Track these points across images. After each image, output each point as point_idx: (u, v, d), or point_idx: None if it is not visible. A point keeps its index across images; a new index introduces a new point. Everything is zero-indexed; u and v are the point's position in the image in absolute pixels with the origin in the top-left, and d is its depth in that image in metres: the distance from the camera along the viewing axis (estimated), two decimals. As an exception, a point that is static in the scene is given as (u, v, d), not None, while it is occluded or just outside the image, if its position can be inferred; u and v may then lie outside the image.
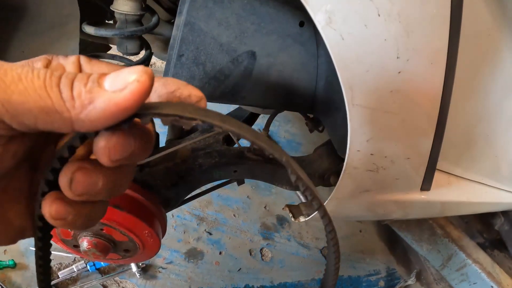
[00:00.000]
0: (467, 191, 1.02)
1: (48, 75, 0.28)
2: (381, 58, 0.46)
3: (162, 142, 1.09)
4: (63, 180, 0.32)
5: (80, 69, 0.41)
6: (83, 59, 0.41)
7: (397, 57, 0.47)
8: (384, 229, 2.05)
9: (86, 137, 0.31)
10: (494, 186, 1.07)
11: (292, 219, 0.81)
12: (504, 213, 1.57)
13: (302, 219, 0.80)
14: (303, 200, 2.08)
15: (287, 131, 2.50)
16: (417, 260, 1.86)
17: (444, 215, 1.02)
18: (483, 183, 1.06)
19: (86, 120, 0.28)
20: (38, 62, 0.38)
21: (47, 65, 0.39)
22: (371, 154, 0.55)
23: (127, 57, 0.88)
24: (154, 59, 2.82)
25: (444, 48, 0.54)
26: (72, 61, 0.40)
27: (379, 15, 0.43)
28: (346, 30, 0.43)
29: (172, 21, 1.04)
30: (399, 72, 0.48)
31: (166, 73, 0.69)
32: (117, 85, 0.28)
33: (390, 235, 2.01)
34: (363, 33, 0.43)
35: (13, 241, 0.38)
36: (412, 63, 0.49)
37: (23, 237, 0.39)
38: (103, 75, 0.29)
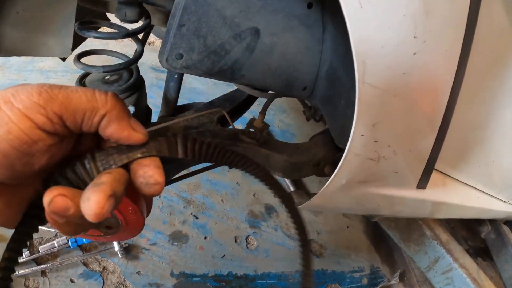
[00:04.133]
0: (461, 194, 1.01)
1: (96, 91, 0.43)
2: (398, 35, 0.43)
3: (155, 119, 1.06)
4: (45, 199, 0.41)
5: None
6: None
7: (414, 37, 0.44)
8: (371, 227, 2.04)
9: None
10: (486, 192, 1.06)
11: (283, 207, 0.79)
12: (491, 221, 1.56)
13: (294, 207, 0.77)
14: (292, 189, 2.06)
15: (282, 121, 2.48)
16: (402, 261, 1.86)
17: (434, 216, 1.00)
18: (476, 188, 1.05)
19: (114, 130, 0.45)
20: None
21: None
22: (375, 141, 0.53)
23: (125, 25, 0.84)
24: (153, 38, 2.76)
25: (460, 37, 0.51)
26: None
27: (401, -12, 0.40)
28: (365, -3, 0.40)
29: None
30: (414, 54, 0.45)
31: (165, 43, 0.65)
32: (137, 126, 0.47)
33: (377, 233, 2.01)
34: (383, 4, 0.40)
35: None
36: (428, 45, 0.46)
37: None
38: None
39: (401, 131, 0.55)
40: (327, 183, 0.60)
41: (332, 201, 0.73)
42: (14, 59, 2.34)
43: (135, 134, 0.45)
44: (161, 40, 2.82)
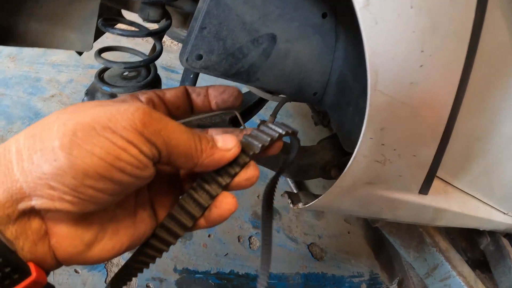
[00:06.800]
0: (461, 202, 1.03)
1: (190, 132, 0.42)
2: (407, 49, 0.46)
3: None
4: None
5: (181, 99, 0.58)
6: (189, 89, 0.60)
7: (421, 51, 0.47)
8: (372, 233, 2.07)
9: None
10: (486, 202, 1.09)
11: (291, 205, 0.82)
12: (491, 233, 1.59)
13: (301, 205, 0.80)
14: (295, 191, 2.09)
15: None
16: (401, 268, 1.88)
17: (435, 223, 1.03)
18: (476, 198, 1.07)
19: (204, 165, 0.44)
20: (143, 96, 0.52)
21: (149, 101, 0.53)
22: (382, 144, 0.56)
23: (146, 25, 0.88)
24: (164, 38, 2.81)
25: (463, 51, 0.55)
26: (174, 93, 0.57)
27: (411, 7, 0.44)
28: (380, 16, 0.44)
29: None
30: (421, 66, 0.49)
31: (186, 43, 0.69)
32: (226, 147, 0.45)
33: (377, 240, 2.03)
34: (395, 21, 0.44)
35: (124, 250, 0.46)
36: (434, 58, 0.49)
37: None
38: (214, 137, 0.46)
39: (406, 136, 0.59)
40: (336, 182, 0.63)
41: (338, 202, 0.76)
42: (26, 52, 2.37)
43: (227, 154, 0.46)
44: (172, 41, 2.85)
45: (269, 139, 0.48)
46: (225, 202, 0.47)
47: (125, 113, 0.37)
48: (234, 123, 0.99)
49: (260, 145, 0.47)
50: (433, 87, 0.54)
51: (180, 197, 0.49)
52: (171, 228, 0.47)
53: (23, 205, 0.36)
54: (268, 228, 0.59)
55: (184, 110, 0.58)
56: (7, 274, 0.34)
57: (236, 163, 0.47)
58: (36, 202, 0.36)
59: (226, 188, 0.47)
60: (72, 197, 0.36)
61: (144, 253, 0.49)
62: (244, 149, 0.47)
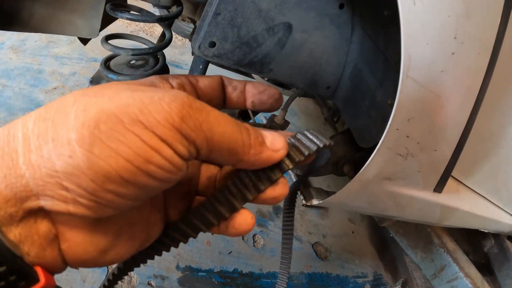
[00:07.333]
0: (472, 202, 1.02)
1: (236, 124, 0.36)
2: (441, 34, 0.44)
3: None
4: None
5: (219, 86, 0.51)
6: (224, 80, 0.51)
7: (455, 37, 0.45)
8: (376, 234, 2.05)
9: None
10: (495, 203, 1.07)
11: (303, 201, 0.80)
12: (495, 235, 1.57)
13: (314, 202, 0.78)
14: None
15: (293, 124, 2.49)
16: (405, 270, 1.86)
17: (444, 223, 1.01)
18: (486, 198, 1.06)
19: (250, 162, 0.38)
20: (174, 81, 0.46)
21: (180, 87, 0.46)
22: (407, 136, 0.54)
23: (155, 12, 0.85)
24: (168, 34, 2.78)
25: (491, 43, 0.53)
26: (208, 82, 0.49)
27: (448, -10, 0.42)
28: (419, -4, 0.41)
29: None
30: (452, 53, 0.46)
31: (199, 29, 0.67)
32: (274, 147, 0.39)
33: (381, 240, 2.01)
34: (433, 4, 0.42)
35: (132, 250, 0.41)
36: (465, 46, 0.47)
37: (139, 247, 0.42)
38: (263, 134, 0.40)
39: (431, 128, 0.57)
40: (356, 176, 0.61)
41: (352, 198, 0.73)
42: (29, 43, 2.35)
43: (275, 155, 0.39)
44: (176, 36, 2.83)
45: (315, 148, 0.41)
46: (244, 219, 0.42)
47: (160, 103, 0.31)
48: (243, 117, 0.97)
49: (306, 153, 0.41)
50: (461, 77, 0.51)
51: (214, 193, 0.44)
52: (196, 223, 0.43)
53: (29, 204, 0.31)
54: (289, 232, 0.56)
55: (216, 104, 0.50)
56: (12, 283, 0.30)
57: (278, 168, 0.41)
58: (45, 203, 0.31)
59: (260, 193, 0.41)
60: (89, 201, 0.31)
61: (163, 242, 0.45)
62: (289, 153, 0.41)
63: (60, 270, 0.36)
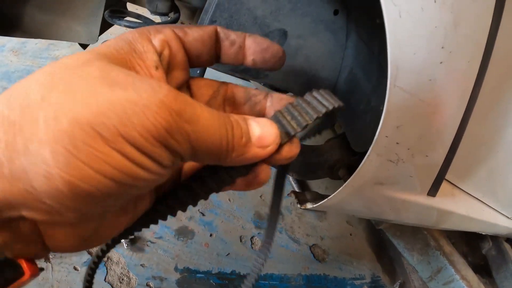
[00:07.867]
0: (468, 205, 1.03)
1: (222, 126, 0.33)
2: (428, 44, 0.45)
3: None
4: None
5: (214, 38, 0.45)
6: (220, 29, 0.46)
7: (442, 47, 0.46)
8: (374, 236, 2.06)
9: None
10: (491, 206, 1.08)
11: (298, 205, 0.81)
12: (493, 238, 1.58)
13: (309, 205, 0.79)
14: (297, 191, 2.08)
15: (291, 126, 2.49)
16: (402, 272, 1.87)
17: (440, 226, 1.02)
18: (482, 201, 1.06)
19: (233, 162, 0.36)
20: (157, 37, 0.41)
21: (164, 44, 0.42)
22: (397, 143, 0.55)
23: (153, 18, 0.86)
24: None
25: (480, 51, 0.54)
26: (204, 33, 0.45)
27: (435, 2, 0.43)
28: (404, 9, 0.42)
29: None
30: (440, 62, 0.47)
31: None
32: (263, 143, 0.37)
33: (379, 242, 2.02)
34: (419, 15, 0.43)
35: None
36: (454, 55, 0.48)
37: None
38: (250, 120, 0.37)
39: (421, 135, 0.58)
40: (347, 181, 0.62)
41: (346, 202, 0.74)
42: (29, 46, 2.36)
43: (261, 153, 0.37)
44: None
45: (315, 116, 0.38)
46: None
47: (144, 112, 0.28)
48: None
49: (315, 116, 0.38)
50: (450, 85, 0.53)
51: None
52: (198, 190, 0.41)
53: (7, 214, 0.29)
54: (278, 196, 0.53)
55: (206, 60, 0.46)
56: None
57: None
58: (27, 213, 0.29)
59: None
60: (74, 212, 0.29)
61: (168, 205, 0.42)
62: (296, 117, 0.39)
63: (44, 256, 0.36)
